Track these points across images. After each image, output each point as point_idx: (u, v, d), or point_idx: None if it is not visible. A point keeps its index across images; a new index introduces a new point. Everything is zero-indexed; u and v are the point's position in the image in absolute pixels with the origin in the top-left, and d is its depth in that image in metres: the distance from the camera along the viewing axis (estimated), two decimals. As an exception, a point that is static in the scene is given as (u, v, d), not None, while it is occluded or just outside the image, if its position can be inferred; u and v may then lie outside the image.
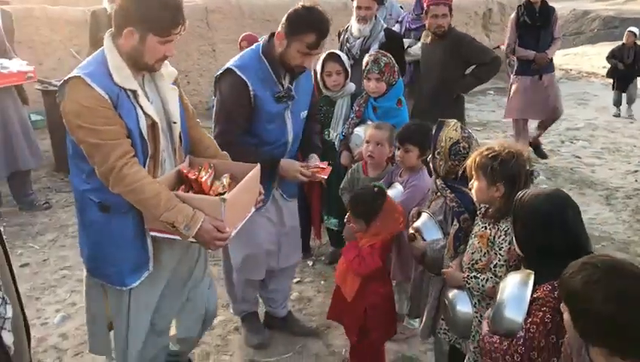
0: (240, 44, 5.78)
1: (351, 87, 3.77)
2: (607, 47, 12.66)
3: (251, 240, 2.92)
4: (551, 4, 6.05)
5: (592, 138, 7.52)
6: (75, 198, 2.30)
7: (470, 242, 2.30)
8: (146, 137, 2.16)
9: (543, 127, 6.45)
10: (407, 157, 2.92)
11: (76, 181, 2.24)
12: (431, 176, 2.85)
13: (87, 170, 2.16)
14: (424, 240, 2.52)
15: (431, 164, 2.66)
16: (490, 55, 4.50)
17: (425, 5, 4.64)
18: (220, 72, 2.71)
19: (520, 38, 6.04)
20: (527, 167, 2.17)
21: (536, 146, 6.52)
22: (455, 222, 2.41)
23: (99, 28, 6.67)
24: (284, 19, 2.65)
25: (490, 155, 2.17)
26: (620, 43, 9.52)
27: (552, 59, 6.08)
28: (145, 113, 2.15)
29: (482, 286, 2.20)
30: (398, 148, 2.96)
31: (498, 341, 1.83)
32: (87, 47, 7.04)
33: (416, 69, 4.90)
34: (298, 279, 3.90)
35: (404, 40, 4.91)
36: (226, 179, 2.35)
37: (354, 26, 4.47)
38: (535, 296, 1.78)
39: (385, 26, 4.54)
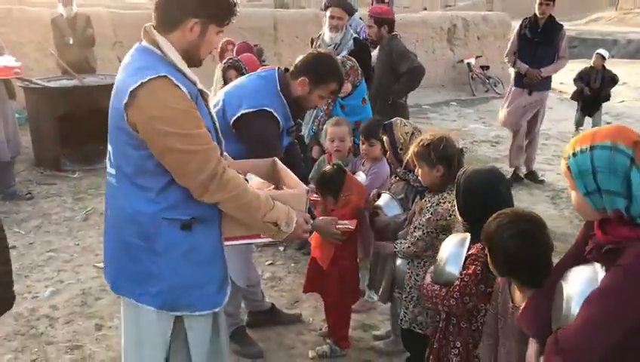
0: (233, 51, 5.94)
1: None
2: (568, 65, 13.43)
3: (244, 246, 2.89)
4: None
5: (545, 146, 8.06)
6: (135, 223, 1.93)
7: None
8: (217, 140, 2.03)
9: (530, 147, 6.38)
10: (371, 150, 3.32)
11: (138, 204, 1.91)
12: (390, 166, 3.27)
13: (158, 187, 1.90)
14: (386, 215, 2.92)
15: (390, 160, 3.08)
16: (409, 64, 4.85)
17: None
18: (253, 110, 2.70)
19: (519, 50, 6.02)
20: (458, 147, 2.60)
21: (530, 172, 6.44)
22: (417, 199, 2.81)
23: (62, 34, 6.99)
24: (305, 65, 2.79)
25: (425, 144, 2.58)
26: (587, 65, 8.71)
27: (548, 78, 6.05)
28: (211, 114, 2.06)
29: (402, 247, 2.64)
30: (363, 143, 3.36)
31: (438, 289, 2.23)
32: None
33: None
34: (270, 261, 4.27)
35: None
36: (257, 178, 2.39)
37: (326, 34, 4.93)
38: (469, 252, 2.19)
39: (354, 35, 4.98)
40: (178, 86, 1.83)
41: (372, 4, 6.84)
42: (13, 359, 3.10)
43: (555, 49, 5.95)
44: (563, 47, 5.94)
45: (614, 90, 12.40)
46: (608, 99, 8.54)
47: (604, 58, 8.45)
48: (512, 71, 6.42)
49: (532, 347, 1.76)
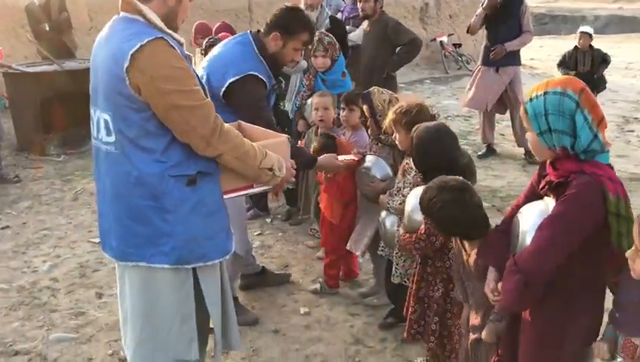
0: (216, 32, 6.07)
1: (303, 64, 4.35)
2: (537, 41, 13.75)
3: (238, 211, 3.04)
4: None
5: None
6: (143, 185, 1.98)
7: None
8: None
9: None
10: (351, 116, 3.53)
11: (144, 166, 1.98)
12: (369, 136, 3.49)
13: (162, 147, 1.98)
14: (373, 175, 3.11)
15: (370, 126, 3.30)
16: (409, 36, 5.14)
17: None
18: (240, 76, 2.83)
19: (486, 28, 6.08)
20: (431, 112, 2.84)
21: (528, 152, 6.14)
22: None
23: (37, 20, 7.03)
24: (274, 21, 2.95)
25: (401, 111, 2.81)
26: (570, 47, 7.46)
27: (516, 53, 6.03)
28: (197, 75, 2.12)
29: (394, 205, 2.86)
30: (344, 110, 3.57)
31: (409, 236, 2.50)
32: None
33: (353, 53, 5.53)
34: (259, 232, 4.48)
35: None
36: None
37: (302, 13, 5.10)
38: None
39: (330, 13, 5.17)
40: (173, 47, 1.93)
41: None
42: (20, 326, 3.27)
43: (518, 24, 5.96)
44: (526, 21, 5.97)
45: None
46: (604, 86, 7.29)
47: (590, 36, 7.20)
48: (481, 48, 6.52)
49: (491, 275, 2.01)
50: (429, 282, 2.56)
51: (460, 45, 12.70)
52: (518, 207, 1.98)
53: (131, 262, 2.09)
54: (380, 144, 3.27)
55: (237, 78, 2.83)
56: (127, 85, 1.90)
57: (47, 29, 7.01)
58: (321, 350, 3.04)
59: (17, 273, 3.89)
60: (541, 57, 13.51)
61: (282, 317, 3.34)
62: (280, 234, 4.48)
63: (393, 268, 2.96)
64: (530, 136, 1.86)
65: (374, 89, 3.24)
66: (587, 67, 7.10)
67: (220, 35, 5.31)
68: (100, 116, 2.03)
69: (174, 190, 2.01)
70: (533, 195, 1.97)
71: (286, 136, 2.43)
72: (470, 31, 6.27)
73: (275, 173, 2.16)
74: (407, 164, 2.85)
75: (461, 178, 2.21)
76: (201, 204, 2.07)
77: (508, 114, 6.45)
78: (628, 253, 1.64)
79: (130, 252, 2.08)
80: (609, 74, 11.36)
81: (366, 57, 5.16)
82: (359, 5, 5.32)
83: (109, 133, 2.01)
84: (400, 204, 2.80)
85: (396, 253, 2.91)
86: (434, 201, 2.13)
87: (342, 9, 6.01)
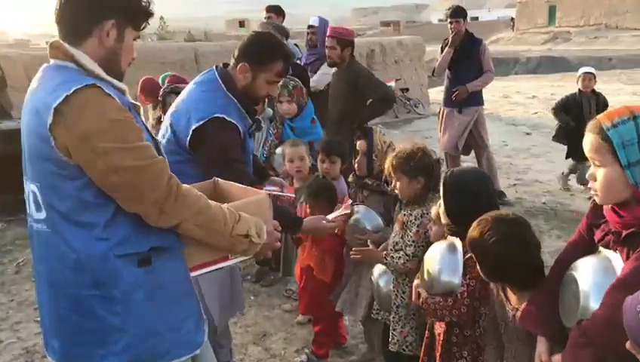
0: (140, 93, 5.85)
1: (268, 111, 4.08)
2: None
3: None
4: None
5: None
6: (82, 270, 1.62)
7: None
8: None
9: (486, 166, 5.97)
10: (332, 168, 3.24)
11: (82, 246, 1.62)
12: (348, 184, 3.21)
13: (103, 220, 1.62)
14: (363, 227, 2.81)
15: (359, 167, 3.00)
16: (382, 90, 4.85)
17: None
18: (203, 121, 2.37)
19: (447, 69, 6.01)
20: (434, 157, 2.58)
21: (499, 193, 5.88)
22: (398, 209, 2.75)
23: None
24: (241, 50, 2.49)
25: (404, 156, 2.53)
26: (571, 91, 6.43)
27: (478, 93, 5.99)
28: (147, 129, 1.79)
29: (396, 263, 2.54)
30: (323, 161, 3.28)
31: (442, 300, 2.14)
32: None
33: (316, 99, 5.28)
34: (228, 296, 4.07)
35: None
36: None
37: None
38: (467, 256, 2.12)
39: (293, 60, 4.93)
40: (109, 95, 1.58)
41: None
42: None
43: (478, 64, 5.95)
44: (486, 60, 5.96)
45: (526, 102, 13.07)
46: None
47: (594, 78, 6.12)
48: (441, 92, 6.47)
49: (541, 345, 1.72)
50: (453, 354, 2.22)
51: (407, 90, 12.81)
52: (564, 262, 1.71)
53: None
54: (365, 191, 2.97)
55: (200, 123, 2.35)
56: (53, 147, 1.55)
57: (-20, 87, 6.50)
58: None
59: (-49, 366, 3.34)
60: (486, 99, 13.80)
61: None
62: (252, 298, 4.08)
63: (390, 334, 2.63)
64: (605, 172, 1.54)
65: (377, 127, 2.96)
66: (594, 113, 5.53)
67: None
68: (28, 187, 1.69)
69: (123, 273, 1.63)
70: (583, 247, 1.69)
71: (264, 191, 2.07)
72: (437, 72, 6.20)
73: (252, 240, 1.79)
74: (405, 215, 2.57)
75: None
76: (160, 288, 1.69)
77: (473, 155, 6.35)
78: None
79: (76, 354, 1.69)
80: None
81: (335, 107, 4.88)
82: (326, 52, 5.05)
83: (38, 209, 1.66)
84: (404, 262, 2.49)
85: (393, 317, 2.59)
86: (489, 234, 1.81)
87: (299, 57, 5.81)
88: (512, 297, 1.91)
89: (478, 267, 1.92)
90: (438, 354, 2.26)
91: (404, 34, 29.74)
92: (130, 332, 1.65)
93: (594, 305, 1.53)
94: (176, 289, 1.75)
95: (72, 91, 1.52)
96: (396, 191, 2.59)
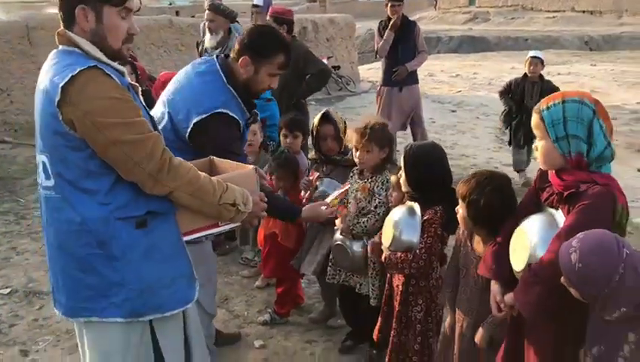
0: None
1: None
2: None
3: (209, 273, 2.76)
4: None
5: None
6: (87, 232, 1.80)
7: (352, 196, 2.96)
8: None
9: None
10: (295, 143, 3.51)
11: (87, 210, 1.80)
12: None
13: (106, 187, 1.81)
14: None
15: (331, 146, 3.23)
16: (318, 66, 5.16)
17: None
18: (205, 115, 2.42)
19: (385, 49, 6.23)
20: None
21: None
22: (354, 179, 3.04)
23: None
24: (242, 43, 2.52)
25: (377, 128, 2.83)
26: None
27: (415, 72, 6.32)
28: (145, 107, 1.94)
29: (365, 225, 2.85)
30: (286, 136, 3.53)
31: (403, 255, 2.48)
32: None
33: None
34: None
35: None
36: None
37: (206, 37, 5.03)
38: (425, 218, 2.48)
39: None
40: (110, 75, 1.76)
41: None
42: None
43: (414, 45, 6.31)
44: (420, 41, 6.34)
45: (450, 81, 13.64)
46: None
47: (542, 63, 5.94)
48: (380, 71, 6.75)
49: (495, 287, 2.08)
50: (409, 302, 2.58)
51: (338, 67, 13.10)
52: (516, 219, 2.06)
53: (83, 318, 1.90)
54: (329, 165, 3.26)
55: (202, 117, 2.42)
56: (61, 122, 1.73)
57: None
58: (289, 382, 2.97)
59: None
60: (420, 76, 14.35)
61: (239, 355, 3.22)
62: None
63: (370, 291, 2.91)
64: (542, 144, 1.92)
65: (330, 110, 3.24)
66: (535, 100, 5.35)
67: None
68: (38, 159, 1.88)
69: (122, 234, 1.82)
70: (532, 207, 2.05)
71: (253, 166, 2.25)
72: (380, 55, 6.42)
73: (239, 209, 1.97)
74: (370, 183, 2.87)
75: None
76: (155, 248, 1.88)
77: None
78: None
79: (80, 307, 1.88)
80: (475, 90, 12.50)
81: (280, 83, 5.11)
82: None
83: (47, 177, 1.84)
84: (374, 223, 2.81)
85: (370, 274, 2.90)
86: (486, 183, 2.16)
87: (245, 35, 5.99)
88: (478, 246, 2.28)
89: (461, 214, 2.25)
90: (397, 303, 2.62)
91: (331, 10, 29.93)
92: (128, 286, 1.84)
93: (541, 252, 1.89)
94: (169, 250, 1.92)
95: (76, 72, 1.70)
96: (356, 160, 2.89)
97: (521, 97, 5.99)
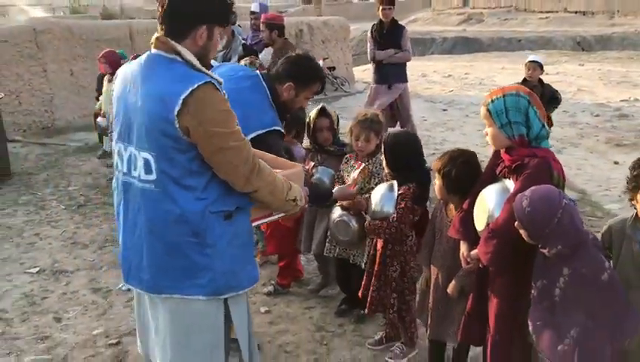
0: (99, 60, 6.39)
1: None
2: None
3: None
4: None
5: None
6: (184, 222, 2.05)
7: (351, 177, 3.39)
8: None
9: None
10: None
11: (187, 204, 2.05)
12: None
13: (202, 184, 2.07)
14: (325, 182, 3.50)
15: (327, 138, 3.66)
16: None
17: None
18: (264, 131, 2.77)
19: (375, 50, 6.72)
20: None
21: None
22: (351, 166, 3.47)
23: None
24: (288, 70, 2.94)
25: (376, 120, 3.31)
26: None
27: (403, 71, 6.79)
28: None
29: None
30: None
31: (379, 223, 2.95)
32: None
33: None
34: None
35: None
36: None
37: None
38: (399, 193, 2.93)
39: (243, 41, 5.60)
40: (219, 89, 2.03)
41: None
42: (-14, 357, 3.26)
43: (400, 47, 6.77)
44: (404, 42, 6.78)
45: (442, 81, 14.06)
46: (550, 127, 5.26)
47: (541, 68, 5.89)
48: (371, 71, 7.18)
49: (464, 246, 2.53)
50: (387, 263, 3.03)
51: (334, 68, 13.54)
52: (477, 189, 2.50)
53: (164, 295, 2.16)
54: (323, 155, 3.70)
55: (262, 131, 2.77)
56: (177, 128, 1.97)
57: None
58: (291, 339, 3.40)
59: (-41, 309, 3.80)
60: (412, 76, 14.79)
61: (246, 317, 3.63)
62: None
63: (365, 257, 3.31)
64: (490, 130, 2.38)
65: (323, 105, 3.68)
66: None
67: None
68: (134, 153, 2.09)
69: (215, 225, 2.09)
70: (489, 179, 2.49)
71: (301, 165, 2.70)
72: (376, 58, 6.81)
73: (297, 203, 2.33)
74: (370, 165, 3.30)
75: None
76: (236, 236, 2.17)
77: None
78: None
79: (164, 285, 2.14)
80: (466, 89, 12.95)
81: None
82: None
83: (148, 172, 2.06)
84: None
85: (368, 243, 3.29)
86: (457, 157, 2.62)
87: (245, 38, 6.46)
88: (451, 212, 2.72)
89: (437, 184, 2.70)
90: (376, 264, 3.08)
91: (326, 12, 30.36)
92: (214, 269, 2.11)
93: (496, 213, 2.33)
94: (245, 237, 2.23)
95: (195, 86, 1.95)
96: (355, 148, 3.34)
97: None
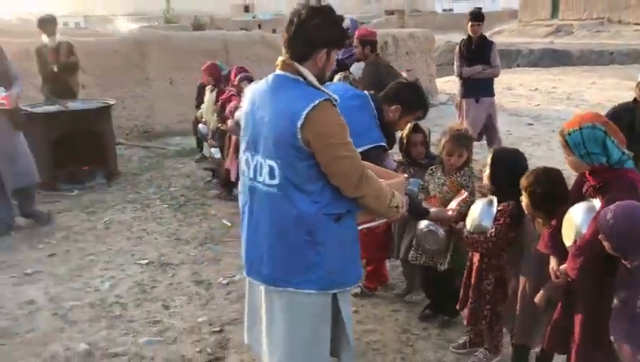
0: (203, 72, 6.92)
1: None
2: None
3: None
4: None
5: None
6: (301, 222, 2.31)
7: (438, 190, 3.60)
8: None
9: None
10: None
11: (304, 206, 2.31)
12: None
13: (317, 189, 2.31)
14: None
15: (419, 154, 3.90)
16: (394, 79, 5.73)
17: None
18: (372, 146, 3.08)
19: (463, 66, 6.94)
20: None
21: None
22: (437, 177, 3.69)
23: (46, 62, 7.43)
24: (397, 95, 3.28)
25: (467, 135, 3.52)
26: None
27: (489, 85, 6.95)
28: None
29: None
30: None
31: (477, 236, 3.09)
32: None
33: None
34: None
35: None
36: None
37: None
38: (499, 209, 3.08)
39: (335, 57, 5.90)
40: (335, 105, 2.31)
41: None
42: (108, 334, 3.69)
43: (489, 62, 6.90)
44: (493, 57, 6.90)
45: (528, 95, 13.84)
46: None
47: None
48: (457, 83, 7.31)
49: (553, 261, 2.67)
50: (482, 276, 3.18)
51: (417, 80, 13.60)
52: (566, 207, 2.63)
53: (281, 288, 2.42)
54: (415, 167, 3.92)
55: (370, 146, 3.05)
56: (299, 139, 2.25)
57: (55, 70, 7.36)
58: (378, 338, 3.62)
59: (81, 292, 4.28)
60: (497, 89, 14.66)
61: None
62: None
63: (446, 263, 3.54)
64: (569, 157, 2.52)
65: (416, 122, 3.88)
66: None
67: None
68: (260, 161, 2.38)
69: (326, 226, 2.35)
70: (576, 198, 2.62)
71: (404, 175, 2.97)
72: (464, 75, 6.98)
73: (398, 210, 2.54)
74: (459, 178, 3.52)
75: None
76: (344, 237, 2.42)
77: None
78: None
79: (281, 278, 2.41)
80: (553, 104, 12.70)
81: None
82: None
83: (272, 177, 2.34)
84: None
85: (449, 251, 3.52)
86: (541, 178, 2.73)
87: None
88: (539, 226, 2.86)
89: (525, 202, 2.82)
90: (473, 276, 3.24)
91: (409, 23, 30.44)
92: (325, 266, 2.36)
93: (583, 230, 2.46)
94: (352, 239, 2.47)
95: (317, 102, 2.24)
96: (447, 162, 3.56)
97: (630, 124, 4.83)
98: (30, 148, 6.87)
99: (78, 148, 6.89)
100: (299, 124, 2.23)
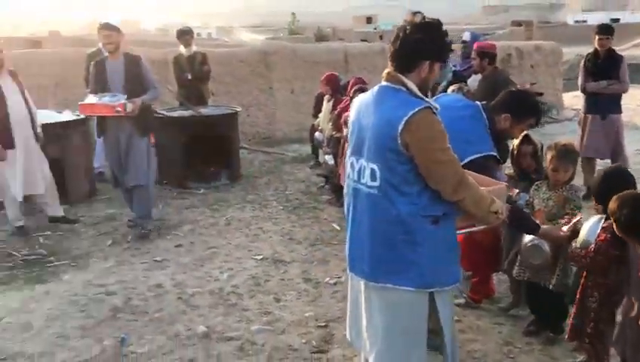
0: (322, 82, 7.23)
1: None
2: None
3: None
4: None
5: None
6: (400, 223, 2.43)
7: (543, 204, 3.58)
8: None
9: None
10: None
11: (402, 207, 2.42)
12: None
13: (416, 191, 2.43)
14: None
15: (529, 166, 3.91)
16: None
17: None
18: (482, 155, 3.15)
19: (587, 81, 6.64)
20: None
21: None
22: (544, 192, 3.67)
23: (182, 70, 8.09)
24: (507, 103, 3.33)
25: (572, 150, 3.51)
26: None
27: (617, 102, 6.60)
28: None
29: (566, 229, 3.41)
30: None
31: (579, 251, 3.07)
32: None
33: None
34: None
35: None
36: None
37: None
38: (603, 226, 3.03)
39: (453, 68, 5.96)
40: (435, 114, 2.42)
41: None
42: (224, 320, 4.03)
43: (617, 77, 6.53)
44: (622, 73, 6.52)
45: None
46: None
47: None
48: (581, 99, 7.04)
49: None
50: (587, 293, 3.13)
51: (541, 94, 13.11)
52: None
53: (379, 284, 2.56)
54: (524, 182, 3.89)
55: (480, 155, 3.12)
56: (399, 143, 2.37)
57: (190, 78, 8.04)
58: (479, 347, 3.65)
59: (203, 281, 4.69)
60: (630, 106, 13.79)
61: (438, 322, 3.97)
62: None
63: (554, 279, 3.50)
64: None
65: (527, 133, 3.88)
66: None
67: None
68: (364, 165, 2.53)
69: (424, 227, 2.46)
70: None
71: (505, 183, 3.00)
72: (588, 90, 6.69)
73: (498, 216, 2.60)
74: (566, 192, 3.51)
75: None
76: (442, 239, 2.52)
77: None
78: None
79: (380, 275, 2.54)
80: None
81: None
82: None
83: (373, 180, 2.49)
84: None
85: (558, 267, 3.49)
86: (626, 204, 2.69)
87: (455, 65, 6.81)
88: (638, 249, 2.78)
89: (615, 228, 2.79)
90: (579, 293, 3.20)
91: (537, 35, 29.25)
92: (422, 265, 2.48)
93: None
94: (451, 242, 2.58)
95: (417, 110, 2.36)
96: (552, 177, 3.54)
97: None
98: (164, 149, 7.60)
99: (206, 151, 7.46)
100: (399, 128, 2.36)
